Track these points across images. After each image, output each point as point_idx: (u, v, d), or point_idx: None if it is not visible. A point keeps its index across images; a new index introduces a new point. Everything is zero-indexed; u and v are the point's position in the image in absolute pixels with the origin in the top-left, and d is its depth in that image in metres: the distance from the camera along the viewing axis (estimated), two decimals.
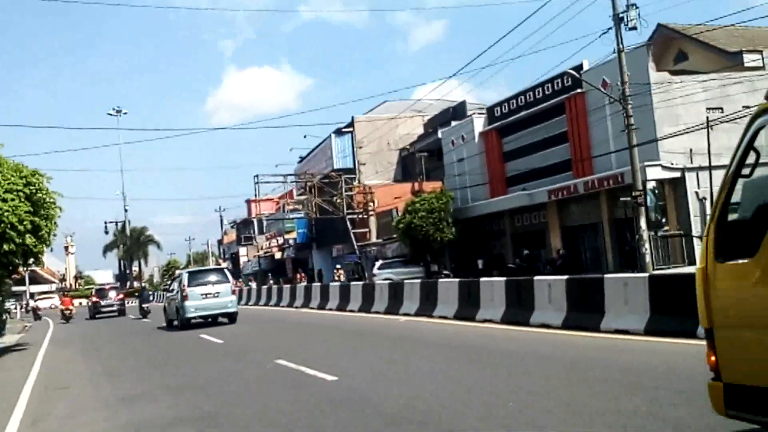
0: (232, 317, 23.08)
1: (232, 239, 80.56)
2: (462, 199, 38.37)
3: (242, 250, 73.12)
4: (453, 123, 41.49)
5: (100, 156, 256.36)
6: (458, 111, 43.25)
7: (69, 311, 37.63)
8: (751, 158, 4.27)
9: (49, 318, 41.31)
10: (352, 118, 50.20)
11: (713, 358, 4.46)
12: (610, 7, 24.32)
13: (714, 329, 4.43)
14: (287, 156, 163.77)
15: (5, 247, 18.24)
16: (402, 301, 19.91)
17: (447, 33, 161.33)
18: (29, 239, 18.68)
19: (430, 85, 52.03)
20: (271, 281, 48.34)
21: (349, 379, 9.80)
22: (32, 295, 68.48)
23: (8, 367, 16.60)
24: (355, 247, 43.56)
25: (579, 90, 30.81)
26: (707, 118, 24.79)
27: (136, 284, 72.09)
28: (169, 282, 50.99)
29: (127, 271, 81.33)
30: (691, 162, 26.27)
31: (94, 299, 41.72)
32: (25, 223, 18.37)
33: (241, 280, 62.23)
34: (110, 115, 64.62)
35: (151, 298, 47.07)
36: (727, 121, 23.93)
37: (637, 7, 24.55)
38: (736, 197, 4.39)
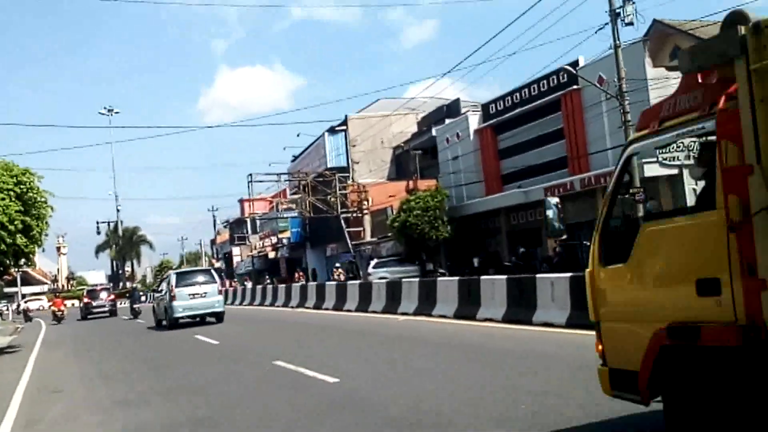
0: (219, 317, 23.54)
1: (225, 239, 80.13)
2: (457, 197, 38.15)
3: (235, 250, 72.70)
4: (447, 121, 41.25)
5: (91, 156, 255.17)
6: (452, 109, 43.03)
7: (61, 312, 37.64)
8: (626, 179, 5.08)
9: (40, 319, 40.91)
10: (346, 116, 49.90)
11: (600, 347, 5.29)
12: (606, 3, 24.18)
13: (600, 322, 5.27)
14: (280, 155, 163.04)
15: None
16: (400, 300, 19.66)
17: (439, 31, 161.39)
18: (20, 239, 18.38)
19: (422, 84, 52.11)
20: (268, 280, 47.98)
21: (350, 380, 9.56)
22: (23, 296, 68.03)
23: (0, 370, 16.28)
24: (350, 245, 43.30)
25: (575, 86, 30.63)
26: None
27: (129, 284, 71.66)
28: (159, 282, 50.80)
29: (120, 272, 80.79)
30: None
31: (86, 300, 41.96)
32: (15, 222, 18.07)
33: (236, 280, 61.94)
34: (101, 114, 64.10)
35: (143, 298, 46.82)
36: None
37: (633, 3, 24.43)
38: (616, 211, 5.27)
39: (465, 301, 16.33)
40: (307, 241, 52.95)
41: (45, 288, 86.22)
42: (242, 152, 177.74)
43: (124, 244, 78.61)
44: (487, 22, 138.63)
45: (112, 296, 43.68)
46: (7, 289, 59.63)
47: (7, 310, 53.48)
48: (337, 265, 40.09)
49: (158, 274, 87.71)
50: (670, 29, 34.75)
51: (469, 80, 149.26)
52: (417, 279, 21.01)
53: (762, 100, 3.80)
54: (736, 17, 4.07)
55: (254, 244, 65.38)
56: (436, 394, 8.02)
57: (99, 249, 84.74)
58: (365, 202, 44.63)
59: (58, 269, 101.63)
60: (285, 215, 52.86)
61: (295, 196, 49.44)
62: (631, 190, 5.15)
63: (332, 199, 44.31)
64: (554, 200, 6.62)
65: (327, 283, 29.37)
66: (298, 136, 69.30)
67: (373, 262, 36.57)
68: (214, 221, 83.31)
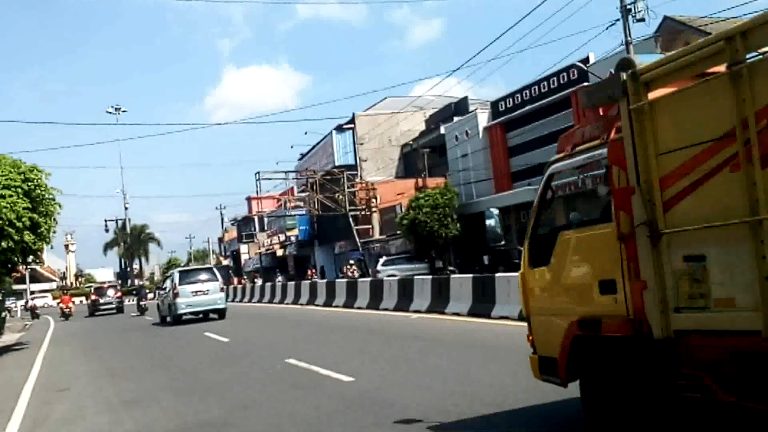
0: (221, 313, 24.39)
1: (233, 237, 79.96)
2: (466, 194, 37.88)
3: (243, 248, 72.58)
4: (455, 119, 40.98)
5: (99, 154, 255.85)
6: (460, 107, 42.72)
7: (69, 309, 38.30)
8: (550, 194, 5.98)
9: (49, 316, 40.94)
10: (353, 114, 49.62)
11: (530, 338, 6.09)
12: None
13: (530, 316, 6.09)
14: (288, 153, 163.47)
15: (3, 244, 17.79)
16: (412, 297, 19.39)
17: (445, 30, 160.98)
18: (28, 236, 18.20)
19: (428, 83, 52.03)
20: (280, 278, 47.65)
21: (365, 379, 9.30)
22: (32, 293, 68.13)
23: (7, 367, 16.12)
24: (358, 243, 43.05)
25: (585, 84, 30.26)
26: None
27: (137, 282, 71.72)
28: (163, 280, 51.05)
29: (128, 270, 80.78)
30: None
31: (93, 297, 42.91)
32: (23, 219, 17.90)
33: (245, 277, 61.81)
34: (109, 113, 64.09)
35: (150, 295, 46.80)
36: None
37: None
38: (542, 222, 6.13)
39: (479, 299, 16.05)
40: (315, 239, 52.74)
41: (53, 285, 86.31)
42: (249, 151, 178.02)
43: (132, 241, 78.63)
44: (493, 21, 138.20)
45: (119, 293, 44.34)
46: (15, 287, 59.59)
47: (16, 307, 53.56)
48: (351, 261, 39.77)
49: (166, 271, 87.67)
50: (680, 25, 34.43)
51: (475, 79, 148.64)
52: (430, 276, 20.72)
53: (639, 134, 4.52)
54: (623, 64, 4.67)
55: (262, 242, 65.21)
56: (456, 394, 7.77)
57: (107, 247, 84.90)
58: (373, 200, 44.42)
59: (66, 267, 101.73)
60: (293, 213, 52.72)
61: (303, 194, 49.23)
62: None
63: (340, 197, 44.10)
64: (495, 211, 7.82)
65: (337, 280, 29.14)
66: (305, 134, 69.21)
67: (381, 260, 36.35)
68: (222, 219, 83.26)
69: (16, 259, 19.40)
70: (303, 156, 57.89)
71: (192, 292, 23.89)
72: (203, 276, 24.94)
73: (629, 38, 24.28)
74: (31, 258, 20.41)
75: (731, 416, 4.61)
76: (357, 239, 43.07)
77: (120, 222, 74.60)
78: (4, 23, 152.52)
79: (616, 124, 4.90)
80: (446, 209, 34.73)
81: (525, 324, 6.30)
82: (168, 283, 26.18)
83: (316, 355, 12.12)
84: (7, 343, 23.62)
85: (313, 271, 45.90)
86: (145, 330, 24.12)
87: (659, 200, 4.45)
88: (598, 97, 5.00)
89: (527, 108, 34.24)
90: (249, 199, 65.32)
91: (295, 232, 53.81)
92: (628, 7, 24.10)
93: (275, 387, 9.54)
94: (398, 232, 38.93)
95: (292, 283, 34.15)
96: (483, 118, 37.87)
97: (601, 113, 5.37)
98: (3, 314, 25.96)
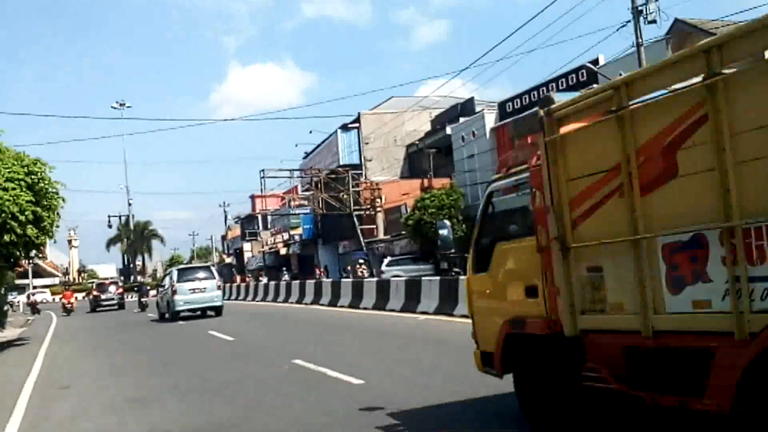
0: (218, 310, 25.01)
1: (236, 234, 79.75)
2: (472, 195, 37.61)
3: (246, 246, 72.34)
4: (461, 119, 40.73)
5: (103, 149, 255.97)
6: (466, 107, 42.48)
7: (70, 304, 38.43)
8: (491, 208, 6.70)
9: (51, 311, 40.77)
10: (359, 113, 49.37)
11: (474, 335, 6.90)
12: (629, 0, 23.59)
13: (473, 316, 6.90)
14: (292, 152, 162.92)
15: (6, 237, 17.55)
16: (419, 298, 19.10)
17: (451, 31, 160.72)
18: (30, 230, 17.95)
19: (433, 84, 51.98)
20: (286, 276, 47.32)
21: (376, 382, 9.04)
22: (35, 287, 68.02)
23: (8, 364, 15.85)
24: (362, 243, 42.79)
25: (595, 85, 29.95)
26: None
27: (140, 278, 71.58)
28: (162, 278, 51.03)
29: (131, 266, 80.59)
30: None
31: (95, 293, 43.22)
32: (26, 213, 17.66)
33: (249, 275, 61.54)
34: (114, 108, 63.86)
35: (152, 292, 46.69)
36: None
37: (656, 0, 23.83)
38: (484, 233, 6.72)
39: None
40: (319, 238, 52.48)
41: (56, 281, 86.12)
42: (253, 149, 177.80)
43: (135, 238, 78.48)
44: (498, 23, 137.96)
45: (121, 290, 44.81)
46: (18, 281, 59.54)
47: (18, 302, 53.40)
48: (360, 261, 39.45)
49: (168, 268, 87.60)
50: (691, 28, 34.15)
51: (481, 81, 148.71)
52: (438, 277, 20.43)
53: (553, 162, 5.21)
54: (544, 102, 5.38)
55: (265, 240, 64.97)
56: (469, 399, 7.52)
57: (110, 242, 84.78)
58: (378, 200, 44.18)
59: (69, 262, 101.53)
60: (297, 212, 52.49)
61: (307, 193, 48.98)
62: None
63: (345, 197, 43.86)
64: (447, 223, 8.48)
65: (343, 280, 28.88)
66: (310, 132, 68.64)
67: (386, 260, 36.10)
68: (225, 217, 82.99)
69: (18, 253, 19.17)
70: (307, 154, 57.66)
71: (190, 289, 24.49)
72: (201, 274, 25.53)
73: (640, 40, 24.00)
74: (33, 252, 20.22)
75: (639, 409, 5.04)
76: (361, 239, 42.83)
77: (123, 218, 74.38)
78: (10, 18, 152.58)
79: (537, 152, 5.57)
80: (452, 210, 34.52)
81: None
82: (167, 281, 26.61)
83: (324, 356, 11.86)
84: (8, 338, 23.38)
85: (321, 270, 45.63)
86: (147, 327, 23.93)
87: (568, 219, 5.16)
88: (521, 130, 6.66)
89: (535, 109, 33.90)
90: (253, 197, 65.34)
91: (299, 230, 53.57)
92: (640, 8, 23.80)
93: (284, 389, 9.26)
94: (403, 232, 38.71)
95: (297, 282, 33.91)
96: (490, 119, 37.63)
97: (529, 141, 6.21)
98: (5, 308, 25.73)
